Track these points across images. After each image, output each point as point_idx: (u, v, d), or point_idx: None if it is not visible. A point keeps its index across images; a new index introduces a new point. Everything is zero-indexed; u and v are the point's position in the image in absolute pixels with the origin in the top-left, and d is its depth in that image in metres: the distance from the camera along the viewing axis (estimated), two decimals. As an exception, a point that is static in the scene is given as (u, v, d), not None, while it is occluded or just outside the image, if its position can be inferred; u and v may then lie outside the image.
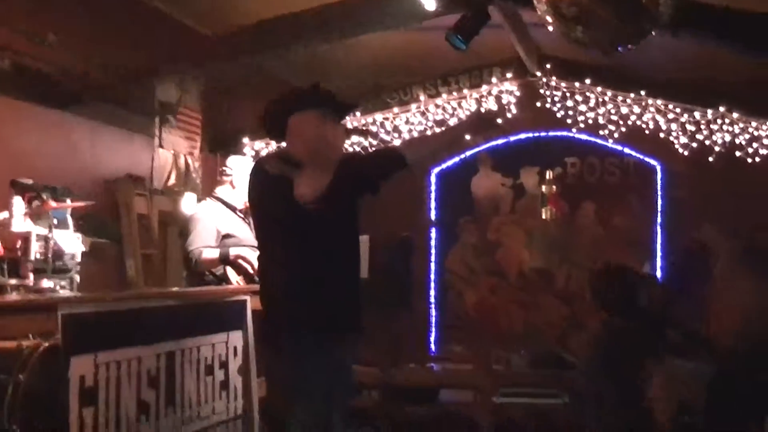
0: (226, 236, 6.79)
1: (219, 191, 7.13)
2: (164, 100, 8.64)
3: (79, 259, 6.15)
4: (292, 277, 4.67)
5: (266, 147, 9.12)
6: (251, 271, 6.55)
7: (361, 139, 9.06)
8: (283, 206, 4.51)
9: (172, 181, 8.62)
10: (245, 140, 9.21)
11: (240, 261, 6.66)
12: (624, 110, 9.10)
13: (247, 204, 6.21)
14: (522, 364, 8.75)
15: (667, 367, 5.46)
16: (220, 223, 6.83)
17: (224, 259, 6.68)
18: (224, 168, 7.24)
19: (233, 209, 6.98)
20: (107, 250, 7.60)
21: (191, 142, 8.97)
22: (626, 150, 10.65)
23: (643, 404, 5.56)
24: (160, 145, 8.50)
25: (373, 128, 9.18)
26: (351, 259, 4.92)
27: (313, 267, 4.66)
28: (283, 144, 5.01)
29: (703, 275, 9.28)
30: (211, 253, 6.69)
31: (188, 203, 8.59)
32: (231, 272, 6.71)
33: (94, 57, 7.54)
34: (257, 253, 5.12)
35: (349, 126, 8.35)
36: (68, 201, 6.28)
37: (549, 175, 10.35)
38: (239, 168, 7.06)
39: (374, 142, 8.97)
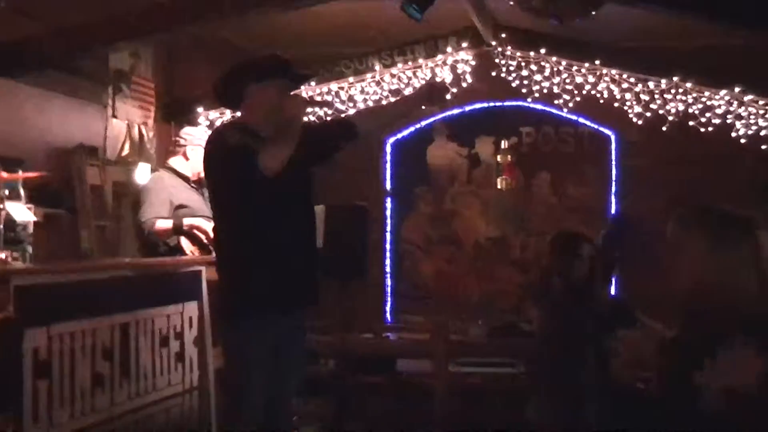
0: (179, 207, 6.75)
1: (172, 162, 7.08)
2: (117, 68, 8.55)
3: (31, 230, 6.09)
4: (251, 248, 4.67)
5: (221, 117, 9.05)
6: (206, 241, 6.53)
7: (316, 109, 9.02)
8: (245, 177, 4.49)
9: (126, 151, 8.54)
10: (200, 110, 9.13)
11: (195, 231, 6.63)
12: (579, 80, 9.12)
13: (202, 174, 6.18)
14: (479, 333, 8.78)
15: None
16: (173, 193, 6.80)
17: (178, 229, 6.65)
18: (178, 138, 7.19)
19: (186, 180, 6.94)
20: (60, 222, 7.51)
21: (145, 112, 8.89)
22: (581, 119, 10.69)
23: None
24: (114, 115, 8.42)
25: (328, 98, 9.14)
26: (308, 230, 4.93)
27: (272, 238, 4.66)
28: (237, 114, 4.99)
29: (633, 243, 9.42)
30: (165, 224, 6.65)
31: (142, 174, 8.52)
32: (185, 242, 6.68)
33: (43, 22, 7.43)
34: (211, 223, 5.11)
35: (307, 97, 8.28)
36: (20, 172, 6.21)
37: (504, 144, 10.38)
38: (193, 139, 7.02)
39: (329, 112, 8.94)
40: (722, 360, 2.70)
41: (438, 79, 9.07)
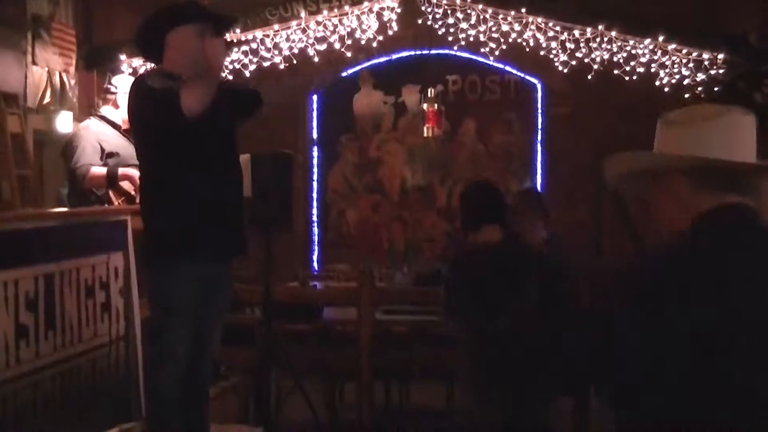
0: (110, 155, 6.67)
1: (103, 110, 6.99)
2: (36, 13, 8.37)
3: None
4: (175, 195, 4.67)
5: (144, 64, 8.92)
6: (134, 193, 6.46)
7: (241, 57, 8.94)
8: (170, 121, 4.47)
9: (47, 99, 8.39)
10: (122, 57, 9.00)
11: (126, 181, 6.55)
12: (505, 28, 9.13)
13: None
14: (404, 281, 8.82)
15: None
16: (103, 141, 6.71)
17: (112, 177, 6.57)
18: (108, 86, 7.10)
19: (117, 128, 6.84)
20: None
21: (66, 59, 8.73)
22: (507, 68, 10.73)
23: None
24: (34, 62, 8.26)
25: (254, 45, 9.05)
26: (234, 180, 4.94)
27: (195, 185, 4.65)
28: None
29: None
30: (99, 171, 6.57)
31: (64, 122, 8.39)
32: (112, 195, 6.60)
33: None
34: (142, 172, 5.07)
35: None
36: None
37: (430, 92, 10.38)
38: (123, 87, 6.93)
39: (254, 60, 8.86)
40: None
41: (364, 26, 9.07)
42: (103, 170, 6.58)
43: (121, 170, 6.57)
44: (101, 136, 6.74)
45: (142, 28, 4.90)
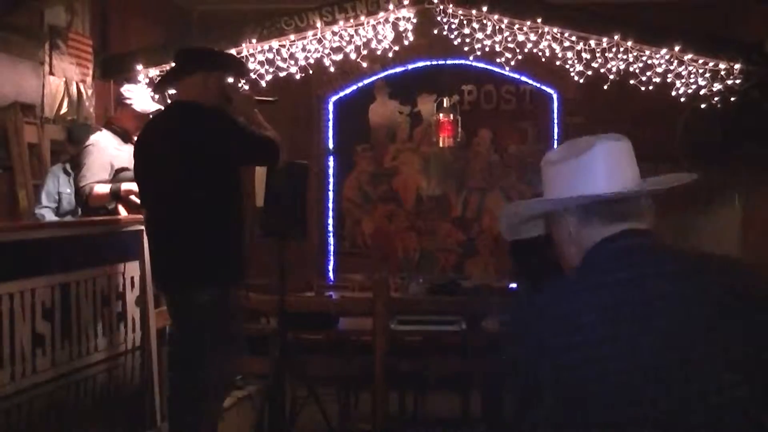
0: (121, 170, 6.65)
1: (115, 119, 7.00)
2: (53, 23, 8.40)
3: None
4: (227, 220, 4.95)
5: (161, 74, 8.93)
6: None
7: (257, 67, 8.95)
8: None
9: (64, 109, 8.41)
10: (139, 67, 9.02)
11: (131, 197, 6.52)
12: (521, 38, 9.10)
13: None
14: (420, 291, 8.81)
15: None
16: (114, 156, 6.69)
17: (115, 195, 6.55)
18: (121, 93, 7.11)
19: (129, 140, 6.83)
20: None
21: (83, 69, 8.75)
22: (523, 78, 10.74)
23: None
24: (51, 72, 8.28)
25: (269, 55, 9.05)
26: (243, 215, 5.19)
27: (237, 213, 4.99)
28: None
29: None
30: (103, 189, 6.55)
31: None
32: (123, 209, 6.59)
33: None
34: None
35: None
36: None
37: (446, 102, 10.37)
38: (136, 96, 6.94)
39: (270, 69, 8.87)
40: None
41: (380, 36, 9.08)
42: (107, 188, 6.56)
43: (124, 186, 6.52)
44: (112, 150, 6.72)
45: (185, 54, 5.18)
